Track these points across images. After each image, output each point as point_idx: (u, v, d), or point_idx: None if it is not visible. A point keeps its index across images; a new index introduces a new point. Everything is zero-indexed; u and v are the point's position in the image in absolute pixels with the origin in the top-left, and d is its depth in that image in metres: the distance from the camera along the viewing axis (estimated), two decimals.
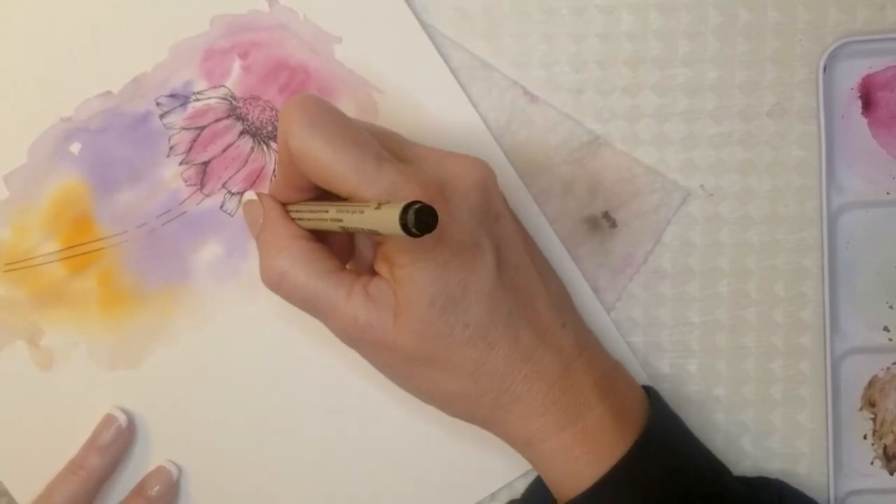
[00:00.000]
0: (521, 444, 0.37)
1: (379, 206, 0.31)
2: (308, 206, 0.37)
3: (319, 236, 0.37)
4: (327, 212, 0.35)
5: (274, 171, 0.42)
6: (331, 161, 0.33)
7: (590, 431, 0.36)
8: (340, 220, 0.34)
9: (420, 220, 0.29)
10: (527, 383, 0.36)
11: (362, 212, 0.32)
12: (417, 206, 0.29)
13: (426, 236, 0.30)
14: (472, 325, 0.35)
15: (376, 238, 0.36)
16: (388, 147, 0.35)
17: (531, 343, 0.36)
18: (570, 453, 0.36)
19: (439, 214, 0.30)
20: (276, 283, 0.36)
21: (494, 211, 0.36)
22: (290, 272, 0.35)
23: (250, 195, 0.38)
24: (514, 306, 0.36)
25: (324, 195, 0.36)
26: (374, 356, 0.36)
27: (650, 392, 0.40)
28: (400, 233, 0.29)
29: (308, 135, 0.34)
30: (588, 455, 0.36)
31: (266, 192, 0.39)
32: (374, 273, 0.36)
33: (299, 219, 0.37)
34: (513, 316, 0.36)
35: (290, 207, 0.38)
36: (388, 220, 0.30)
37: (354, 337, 0.36)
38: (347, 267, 0.37)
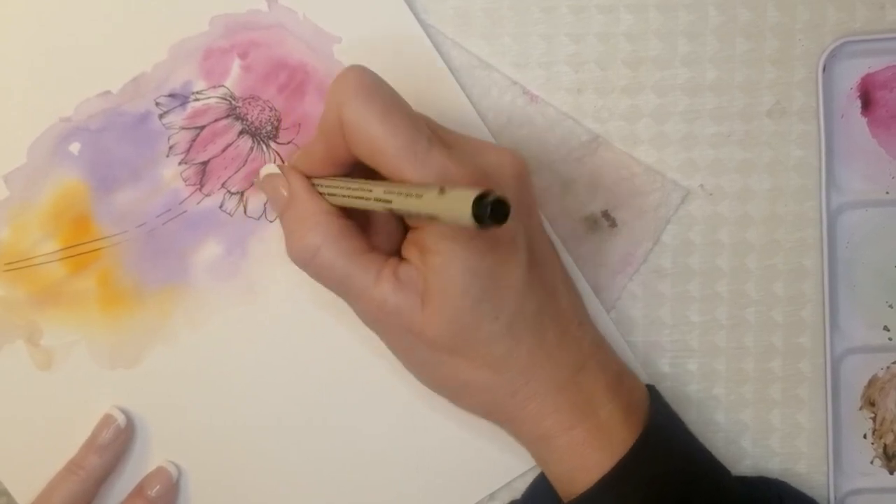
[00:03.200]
0: (531, 440, 0.37)
1: (442, 191, 0.29)
2: (343, 183, 0.35)
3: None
4: (371, 191, 0.33)
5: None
6: (383, 137, 0.33)
7: (602, 428, 0.36)
8: (389, 202, 0.32)
9: (496, 211, 0.28)
10: (546, 380, 0.36)
11: (420, 196, 0.30)
12: (493, 197, 0.28)
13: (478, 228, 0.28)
14: (501, 318, 0.35)
15: (410, 222, 0.35)
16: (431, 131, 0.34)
17: (555, 340, 0.36)
18: (581, 449, 0.36)
19: None
20: (306, 261, 0.35)
21: (527, 204, 0.36)
22: (323, 249, 0.34)
23: (271, 168, 0.37)
24: (541, 302, 0.36)
25: (355, 171, 0.35)
26: (397, 341, 0.36)
27: (650, 391, 0.40)
28: (469, 223, 0.28)
29: (364, 107, 0.33)
30: (598, 451, 0.36)
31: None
32: (400, 256, 0.35)
33: (329, 194, 0.35)
34: (540, 312, 0.36)
35: (316, 181, 0.36)
36: (456, 208, 0.28)
37: (380, 321, 0.35)
38: None
